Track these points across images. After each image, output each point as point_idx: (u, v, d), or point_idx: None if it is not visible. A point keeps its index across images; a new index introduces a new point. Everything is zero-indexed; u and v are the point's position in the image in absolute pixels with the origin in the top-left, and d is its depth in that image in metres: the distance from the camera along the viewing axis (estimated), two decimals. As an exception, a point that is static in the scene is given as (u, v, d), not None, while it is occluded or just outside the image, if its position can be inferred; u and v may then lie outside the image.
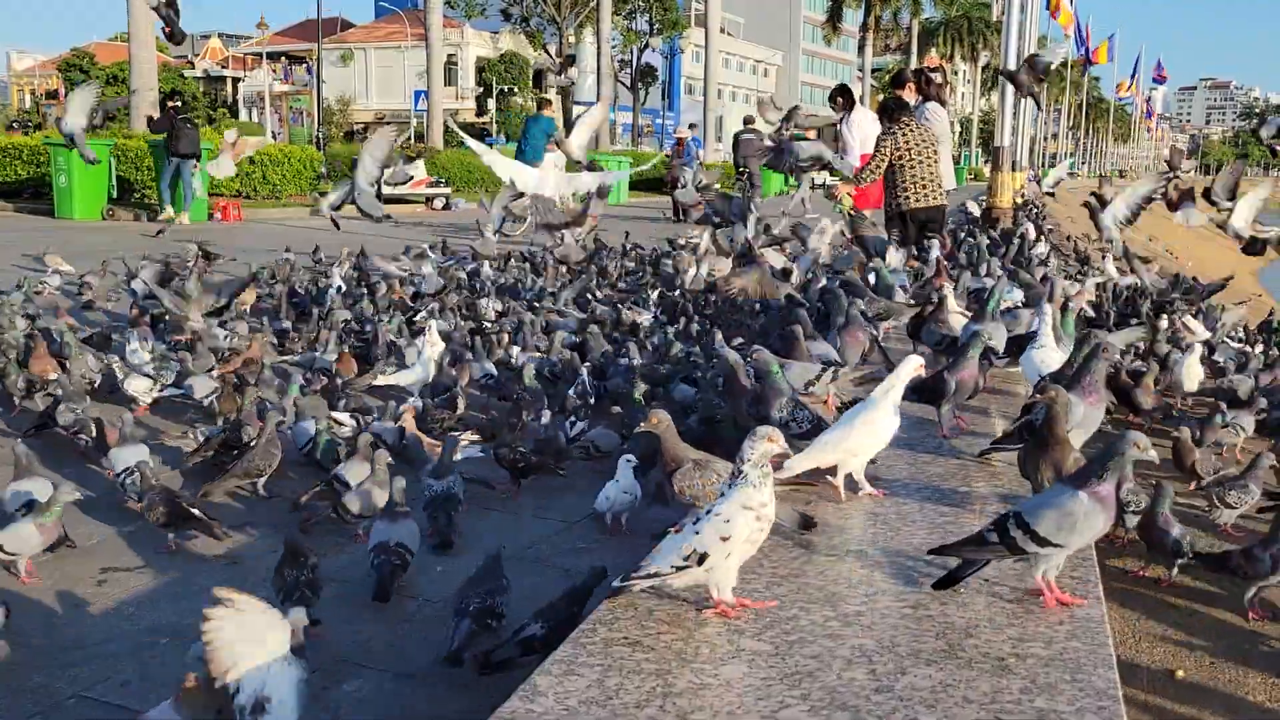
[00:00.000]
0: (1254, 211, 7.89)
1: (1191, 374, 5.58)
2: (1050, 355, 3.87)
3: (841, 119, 9.51)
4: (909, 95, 9.17)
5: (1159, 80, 70.61)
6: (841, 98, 10.06)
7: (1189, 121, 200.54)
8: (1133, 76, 64.85)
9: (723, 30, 55.78)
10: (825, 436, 2.96)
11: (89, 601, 3.13)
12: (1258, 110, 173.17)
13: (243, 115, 48.17)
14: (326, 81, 41.99)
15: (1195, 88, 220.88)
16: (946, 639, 2.13)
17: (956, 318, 4.72)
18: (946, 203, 8.61)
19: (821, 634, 2.15)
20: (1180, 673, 3.11)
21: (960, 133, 46.63)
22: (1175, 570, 3.54)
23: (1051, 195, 18.78)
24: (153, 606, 3.10)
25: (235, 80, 55.17)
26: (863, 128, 9.69)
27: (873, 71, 63.53)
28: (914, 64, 53.44)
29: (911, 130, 8.34)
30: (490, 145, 34.19)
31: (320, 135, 29.85)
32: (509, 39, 55.71)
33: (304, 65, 53.36)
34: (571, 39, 48.11)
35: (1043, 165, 62.62)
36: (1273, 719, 2.87)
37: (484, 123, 53.17)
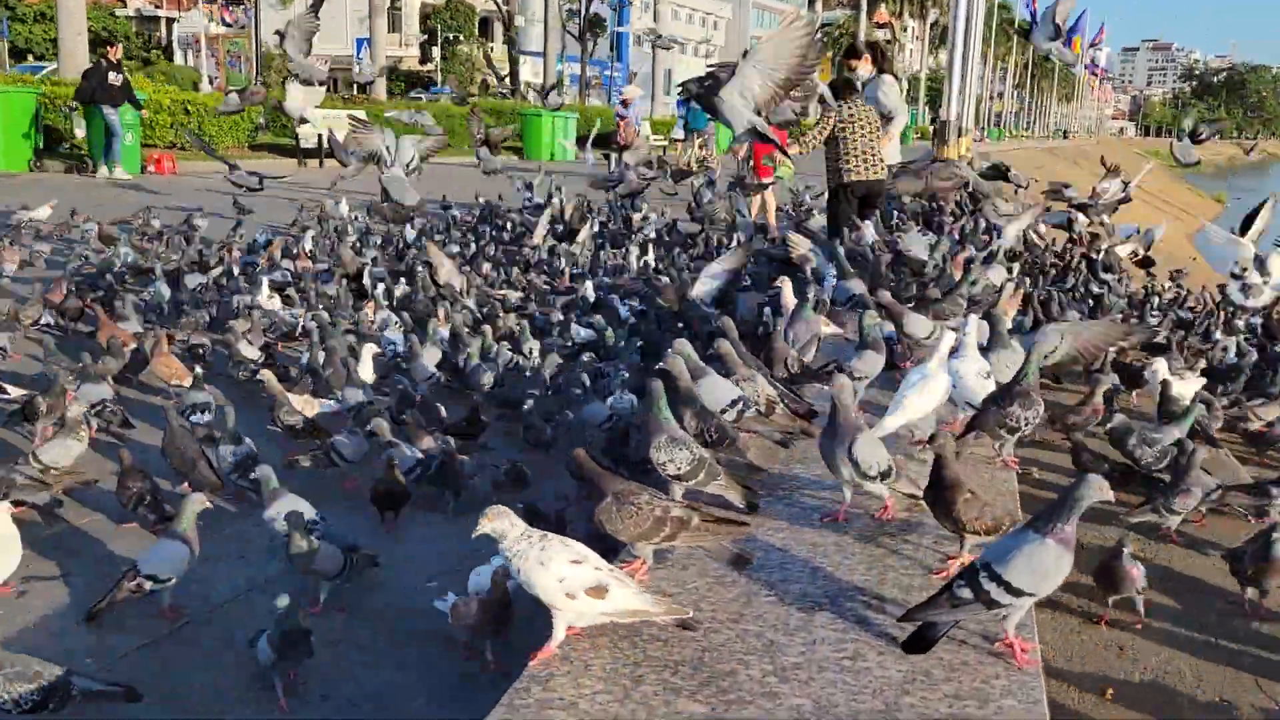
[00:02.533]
0: None
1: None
2: (970, 367, 3.86)
3: (870, 79, 9.32)
4: (864, 67, 9.17)
5: (1096, 44, 71.18)
6: (871, 55, 9.56)
7: (1130, 83, 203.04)
8: (1068, 36, 65.26)
9: (673, -19, 55.10)
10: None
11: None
12: (1197, 71, 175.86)
13: (178, 58, 46.63)
14: (264, 23, 40.79)
15: (1138, 49, 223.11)
16: (883, 697, 2.12)
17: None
18: (885, 177, 8.66)
19: (760, 692, 2.13)
20: (1110, 691, 3.17)
21: (908, 91, 46.67)
22: (1141, 612, 3.45)
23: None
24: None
25: (170, 21, 53.31)
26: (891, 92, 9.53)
27: (822, 26, 63.08)
28: (864, 21, 53.26)
29: (855, 104, 8.37)
30: (437, 95, 33.19)
31: (260, 82, 28.96)
32: (455, -15, 54.50)
33: (242, 6, 51.67)
34: (519, -14, 47.19)
35: (988, 126, 63.01)
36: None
37: (429, 71, 52.09)
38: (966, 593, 2.22)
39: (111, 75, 15.21)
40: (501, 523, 2.24)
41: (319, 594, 3.24)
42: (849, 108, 8.39)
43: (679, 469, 2.92)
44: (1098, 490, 2.25)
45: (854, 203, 8.51)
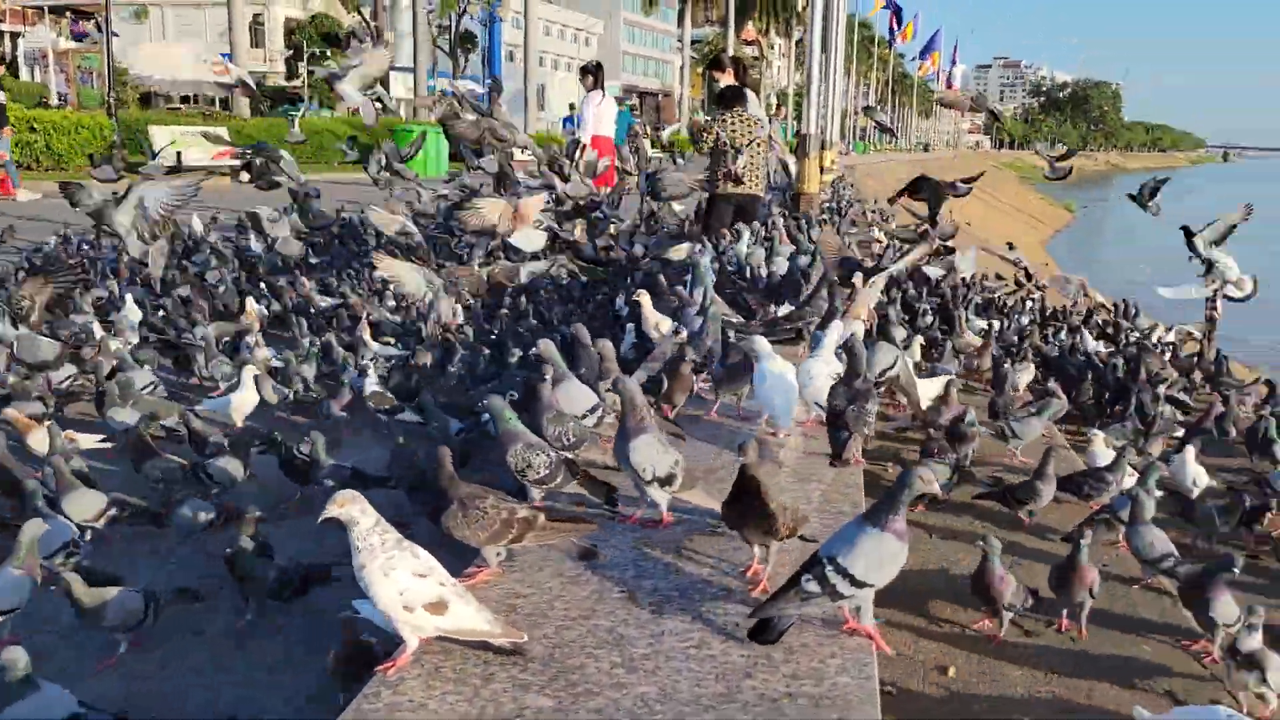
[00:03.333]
0: None
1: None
2: (821, 367, 4.03)
3: (587, 95, 9.96)
4: (726, 79, 9.47)
5: (953, 61, 74.45)
6: (591, 75, 11.01)
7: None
8: (924, 53, 68.04)
9: (543, -3, 55.24)
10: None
11: None
12: (1044, 88, 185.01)
13: (24, 75, 44.41)
14: (120, 37, 39.11)
15: (990, 66, 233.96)
16: (726, 681, 2.21)
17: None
18: (762, 194, 8.95)
19: (608, 683, 2.19)
20: (952, 670, 3.35)
21: (776, 106, 48.05)
22: (1004, 625, 3.48)
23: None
24: None
25: (14, 35, 50.74)
26: (598, 108, 10.78)
27: (692, 43, 64.24)
28: (732, 37, 54.30)
29: (738, 120, 8.59)
30: (303, 113, 32.36)
31: (112, 99, 27.74)
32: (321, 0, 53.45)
33: (93, 20, 49.58)
34: (386, 1, 46.55)
35: (854, 139, 64.90)
36: (1029, 707, 3.13)
37: (295, 87, 50.87)
38: (814, 586, 2.33)
39: None
40: (352, 509, 2.21)
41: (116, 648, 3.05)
42: (732, 124, 8.62)
43: (538, 474, 2.98)
44: (922, 482, 2.40)
45: (729, 214, 8.75)
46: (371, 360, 5.58)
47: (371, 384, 5.04)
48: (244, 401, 4.92)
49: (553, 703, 2.12)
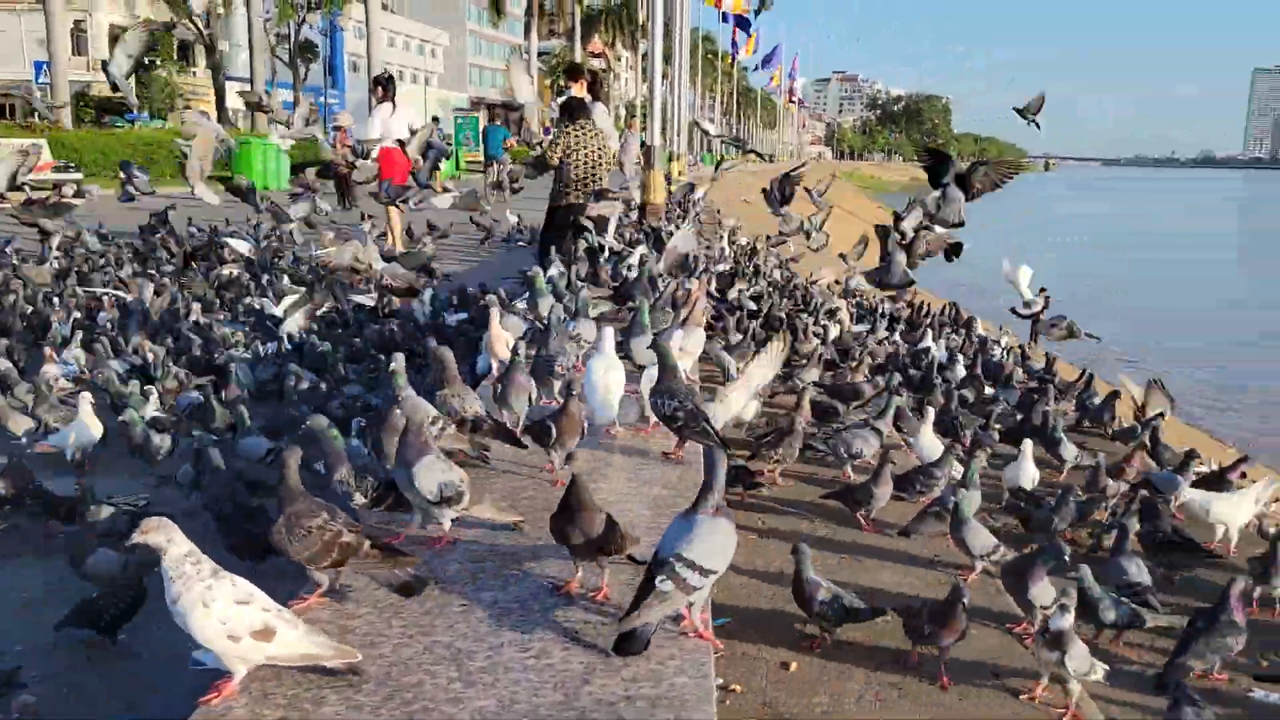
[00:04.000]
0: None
1: None
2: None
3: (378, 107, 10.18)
4: (580, 90, 9.59)
5: (792, 74, 76.93)
6: (382, 87, 11.64)
7: (824, 111, 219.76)
8: (764, 64, 70.06)
9: (385, 7, 54.26)
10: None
11: None
12: (880, 101, 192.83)
13: None
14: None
15: (829, 80, 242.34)
16: (564, 689, 2.21)
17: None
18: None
19: (444, 699, 2.16)
20: (794, 665, 3.44)
21: (626, 118, 48.35)
22: (831, 635, 3.52)
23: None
24: None
25: None
26: (389, 120, 11.47)
27: (540, 55, 64.16)
28: (579, 49, 54.58)
29: (580, 132, 8.64)
30: (133, 122, 30.82)
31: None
32: (147, 6, 50.99)
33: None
34: (219, 9, 44.84)
35: (703, 150, 66.12)
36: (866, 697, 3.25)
37: (122, 97, 48.38)
38: (668, 585, 2.33)
39: None
40: (159, 536, 2.11)
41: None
42: (573, 136, 8.68)
43: (365, 496, 2.96)
44: (725, 463, 2.49)
45: (569, 225, 8.80)
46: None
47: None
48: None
49: (387, 723, 2.08)
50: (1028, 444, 5.34)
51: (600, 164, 8.86)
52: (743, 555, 4.23)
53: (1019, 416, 6.38)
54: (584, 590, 2.67)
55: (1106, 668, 3.18)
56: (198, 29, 45.21)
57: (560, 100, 9.63)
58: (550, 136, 9.29)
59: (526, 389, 3.90)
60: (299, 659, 2.18)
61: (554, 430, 3.44)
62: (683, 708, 2.15)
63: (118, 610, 3.17)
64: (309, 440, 3.08)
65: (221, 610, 2.10)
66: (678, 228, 9.21)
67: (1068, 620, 3.09)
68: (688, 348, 4.63)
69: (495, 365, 4.70)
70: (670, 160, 19.76)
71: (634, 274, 7.13)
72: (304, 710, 2.12)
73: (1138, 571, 4.05)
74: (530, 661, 2.33)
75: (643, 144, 12.52)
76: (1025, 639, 3.61)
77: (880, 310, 9.91)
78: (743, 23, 49.17)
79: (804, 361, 6.78)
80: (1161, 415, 6.51)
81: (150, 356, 5.92)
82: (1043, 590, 3.47)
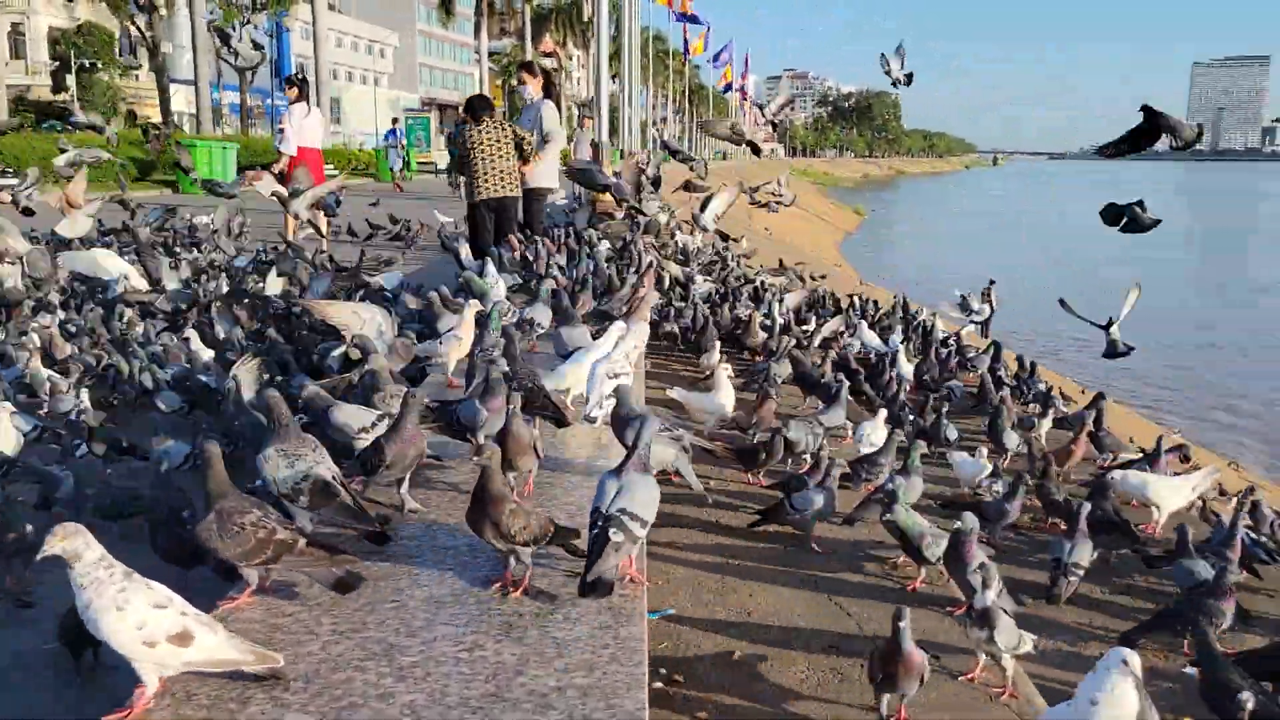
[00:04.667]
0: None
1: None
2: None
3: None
4: (535, 86, 10.03)
5: (744, 71, 77.27)
6: (296, 87, 11.91)
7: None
8: (715, 61, 70.34)
9: (332, 8, 53.63)
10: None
11: None
12: (830, 98, 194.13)
13: None
14: None
15: (780, 77, 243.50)
16: (496, 681, 2.20)
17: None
18: (519, 194, 9.22)
19: (374, 694, 2.14)
20: (737, 653, 3.46)
21: (577, 116, 48.29)
22: None
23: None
24: None
25: None
26: (304, 120, 11.77)
27: (490, 54, 63.80)
28: (529, 49, 54.36)
29: (485, 129, 8.95)
30: (73, 125, 30.29)
31: None
32: (87, 8, 50.05)
33: None
34: (162, 11, 44.08)
35: (654, 148, 66.16)
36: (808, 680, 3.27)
37: (63, 101, 47.42)
38: (620, 536, 2.58)
39: None
40: (74, 542, 2.03)
41: None
42: (477, 133, 8.93)
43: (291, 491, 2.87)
44: (656, 427, 2.83)
45: (490, 218, 9.00)
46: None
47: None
48: None
49: (314, 719, 2.05)
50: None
51: (502, 157, 9.05)
52: (690, 550, 4.26)
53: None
54: (516, 581, 2.66)
55: (1035, 638, 3.23)
56: (139, 30, 44.41)
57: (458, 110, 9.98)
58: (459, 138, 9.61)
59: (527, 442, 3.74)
60: (218, 664, 2.12)
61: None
62: (614, 695, 2.15)
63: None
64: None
65: (137, 615, 2.03)
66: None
67: (991, 595, 3.13)
68: (629, 339, 4.63)
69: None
70: (619, 157, 19.75)
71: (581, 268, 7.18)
72: (229, 710, 2.08)
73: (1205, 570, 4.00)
74: (463, 655, 2.32)
75: (593, 142, 12.52)
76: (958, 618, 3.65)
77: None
78: (693, 20, 49.20)
79: (762, 357, 6.83)
80: (1102, 397, 6.61)
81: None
82: (978, 575, 3.51)
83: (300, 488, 2.77)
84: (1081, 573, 4.16)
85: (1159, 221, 6.56)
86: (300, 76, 12.41)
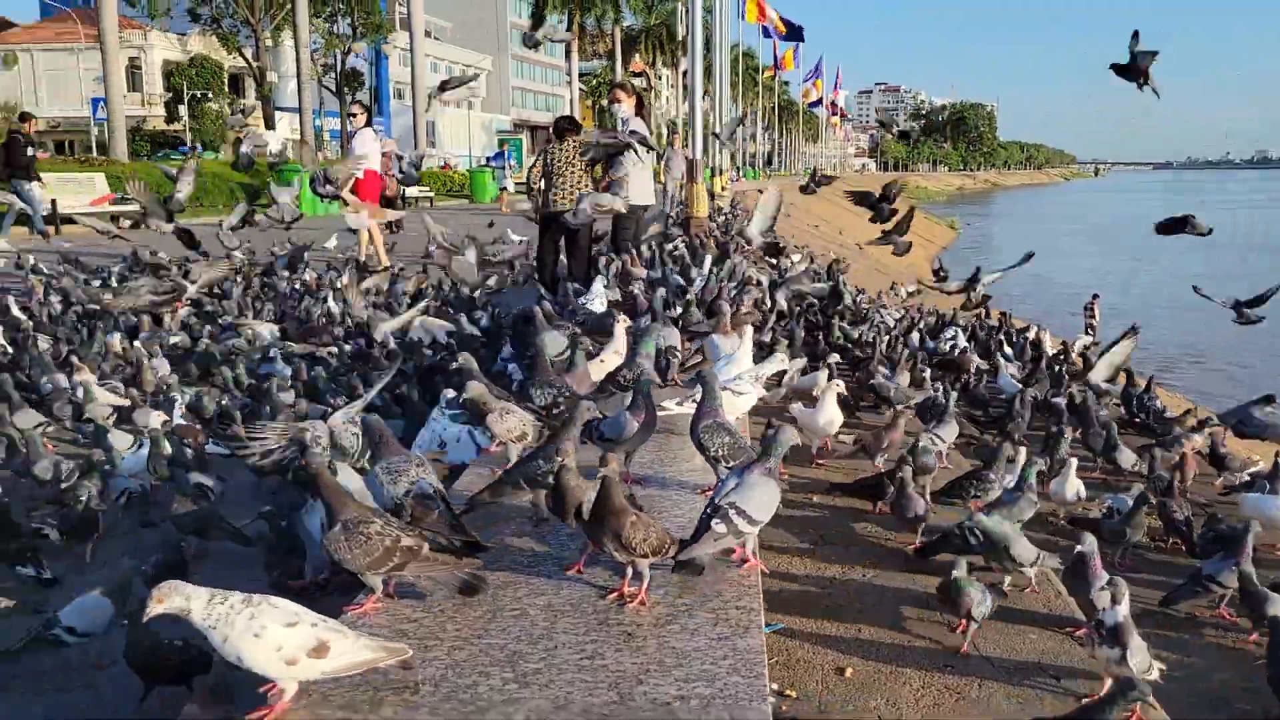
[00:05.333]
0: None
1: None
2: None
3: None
4: (629, 104, 10.29)
5: (836, 86, 76.77)
6: (365, 110, 13.10)
7: (868, 122, 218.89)
8: (810, 78, 69.94)
9: (429, 34, 54.99)
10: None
11: None
12: (924, 111, 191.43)
13: (-119, 125, 42.26)
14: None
15: (871, 91, 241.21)
16: (618, 689, 2.22)
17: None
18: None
19: (500, 700, 2.18)
20: (849, 670, 3.41)
21: (667, 135, 48.66)
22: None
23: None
24: None
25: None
26: (366, 143, 12.70)
27: (581, 76, 64.68)
28: (619, 69, 54.89)
29: (561, 150, 9.39)
30: (185, 154, 31.69)
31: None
32: (199, 41, 52.23)
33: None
34: (268, 42, 45.78)
35: (744, 166, 66.05)
36: (922, 703, 3.21)
37: (177, 130, 49.57)
38: (722, 528, 2.73)
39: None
40: (174, 600, 2.05)
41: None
42: (552, 155, 9.43)
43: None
44: (791, 436, 2.95)
45: (558, 232, 9.42)
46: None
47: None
48: None
49: (443, 722, 2.10)
50: (1073, 461, 5.22)
51: (573, 174, 9.36)
52: (799, 563, 4.22)
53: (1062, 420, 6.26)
54: (634, 592, 2.68)
55: (1163, 667, 3.12)
56: (247, 61, 46.16)
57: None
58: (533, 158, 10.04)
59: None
60: (355, 667, 2.17)
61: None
62: (736, 706, 2.15)
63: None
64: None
65: (274, 637, 2.07)
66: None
67: (1122, 611, 3.03)
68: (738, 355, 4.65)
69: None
70: (712, 175, 19.81)
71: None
72: (362, 711, 2.14)
73: None
74: (584, 663, 2.34)
75: (688, 158, 12.59)
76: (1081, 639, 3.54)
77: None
78: (784, 36, 49.11)
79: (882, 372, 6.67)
80: (1215, 419, 6.35)
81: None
82: (1105, 593, 3.40)
83: (403, 502, 2.86)
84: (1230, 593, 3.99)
85: (1211, 230, 7.49)
86: (365, 102, 13.29)
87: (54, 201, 18.01)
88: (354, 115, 13.63)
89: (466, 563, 2.58)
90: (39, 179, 16.38)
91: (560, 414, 3.93)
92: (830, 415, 5.24)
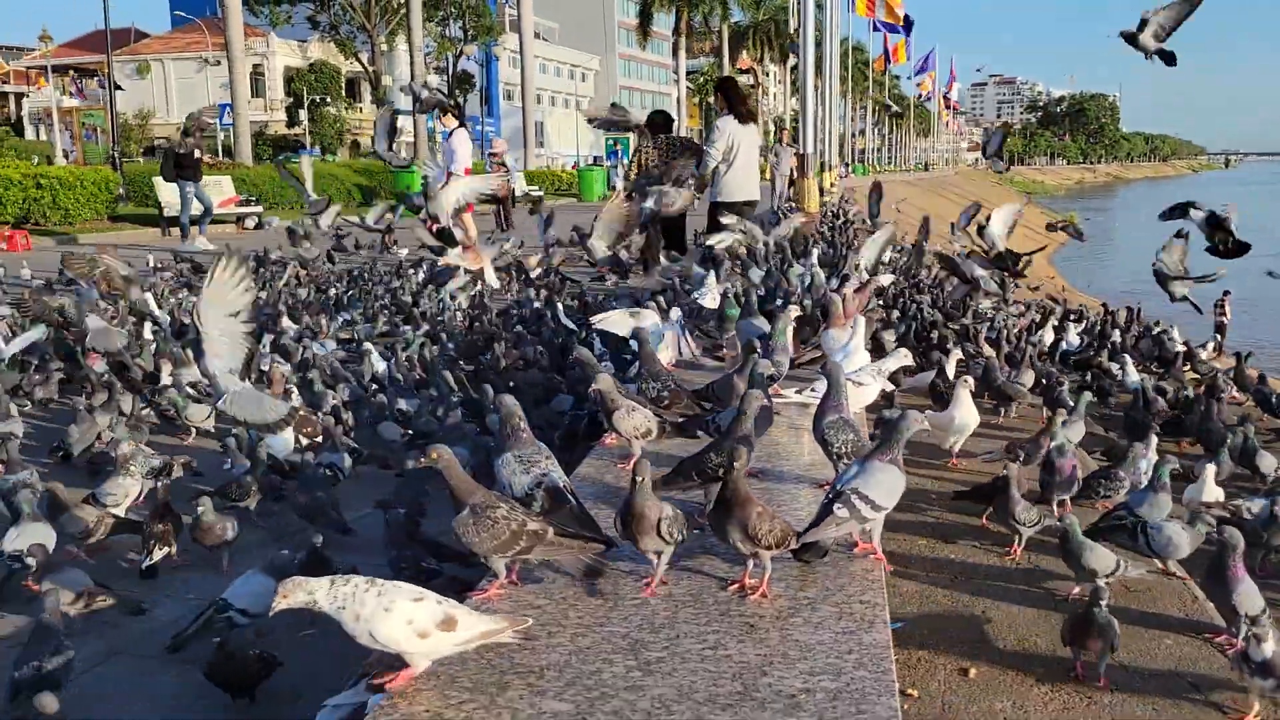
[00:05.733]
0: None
1: None
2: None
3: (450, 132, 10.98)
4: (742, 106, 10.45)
5: (950, 79, 75.04)
6: (449, 113, 13.61)
7: (983, 115, 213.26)
8: (919, 71, 68.56)
9: (538, 35, 55.81)
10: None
11: None
12: (1041, 103, 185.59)
13: (29, 134, 44.99)
14: (124, 92, 39.54)
15: (985, 84, 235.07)
16: (742, 680, 2.20)
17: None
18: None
19: (623, 686, 2.18)
20: (973, 671, 3.32)
21: (775, 132, 48.13)
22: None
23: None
24: None
25: (19, 96, 51.47)
26: (464, 144, 13.43)
27: (688, 74, 64.67)
28: (727, 66, 54.70)
29: (655, 149, 9.84)
30: (300, 156, 33.00)
31: (116, 153, 28.03)
32: (318, 47, 54.07)
33: (95, 79, 50.26)
34: (383, 46, 47.08)
35: (853, 161, 65.11)
36: (1049, 707, 3.10)
37: (297, 134, 51.43)
38: (844, 513, 2.70)
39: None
40: (298, 595, 2.08)
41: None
42: (650, 144, 9.88)
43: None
44: (916, 424, 2.85)
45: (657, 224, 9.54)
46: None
47: None
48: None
49: (570, 707, 2.11)
50: (1210, 467, 4.92)
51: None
52: (919, 562, 4.14)
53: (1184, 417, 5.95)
54: (755, 584, 2.65)
55: None
56: (364, 66, 47.54)
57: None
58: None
59: None
60: (479, 639, 2.21)
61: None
62: (864, 700, 2.11)
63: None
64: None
65: (404, 612, 2.10)
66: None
67: (1270, 648, 2.85)
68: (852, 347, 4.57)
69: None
70: (822, 170, 19.57)
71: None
72: (489, 694, 2.17)
73: None
74: (707, 653, 2.33)
75: (798, 154, 12.48)
76: (1227, 649, 3.37)
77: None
78: (895, 29, 48.18)
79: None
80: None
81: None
82: (1248, 595, 3.22)
83: (534, 494, 2.86)
84: None
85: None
86: (454, 103, 13.69)
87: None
88: (446, 118, 14.09)
89: (591, 547, 2.59)
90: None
91: (668, 403, 3.93)
92: (965, 414, 4.89)
